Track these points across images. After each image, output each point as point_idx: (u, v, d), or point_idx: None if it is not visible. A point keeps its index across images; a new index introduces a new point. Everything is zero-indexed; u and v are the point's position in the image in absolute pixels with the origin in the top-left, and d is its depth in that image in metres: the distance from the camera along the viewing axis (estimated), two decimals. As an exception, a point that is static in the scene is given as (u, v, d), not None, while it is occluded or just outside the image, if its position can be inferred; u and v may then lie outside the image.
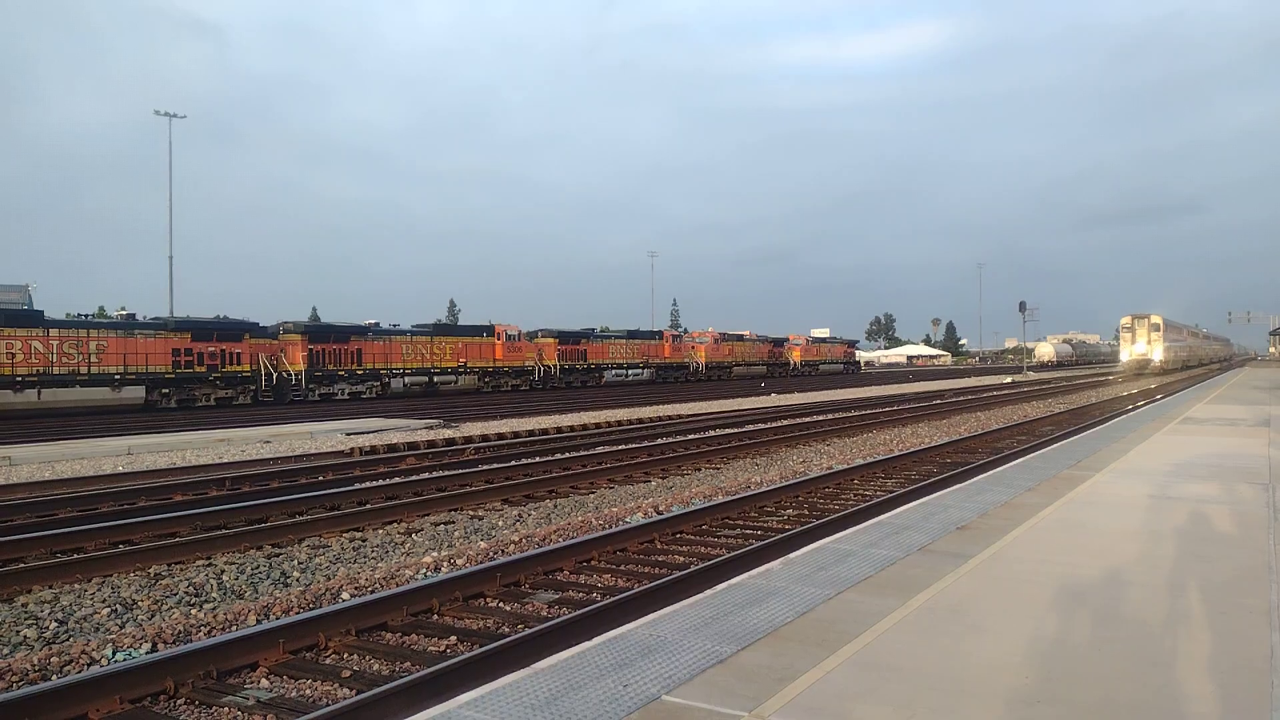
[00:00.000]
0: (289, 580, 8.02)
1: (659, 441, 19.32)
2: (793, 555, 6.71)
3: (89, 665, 5.84)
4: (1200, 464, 11.82)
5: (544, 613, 7.05)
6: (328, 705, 5.23)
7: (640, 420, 25.47)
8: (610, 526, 10.17)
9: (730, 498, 11.80)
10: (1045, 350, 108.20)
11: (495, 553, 8.90)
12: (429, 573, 8.15)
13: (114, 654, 6.00)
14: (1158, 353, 67.57)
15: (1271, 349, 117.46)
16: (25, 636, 6.42)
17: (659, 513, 10.96)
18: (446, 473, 14.36)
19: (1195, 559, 6.47)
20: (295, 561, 8.63)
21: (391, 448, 18.10)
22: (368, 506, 11.40)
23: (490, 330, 48.54)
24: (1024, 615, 5.10)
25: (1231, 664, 4.33)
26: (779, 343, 74.64)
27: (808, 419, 26.07)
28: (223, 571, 8.19)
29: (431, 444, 18.99)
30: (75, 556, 8.72)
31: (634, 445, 18.58)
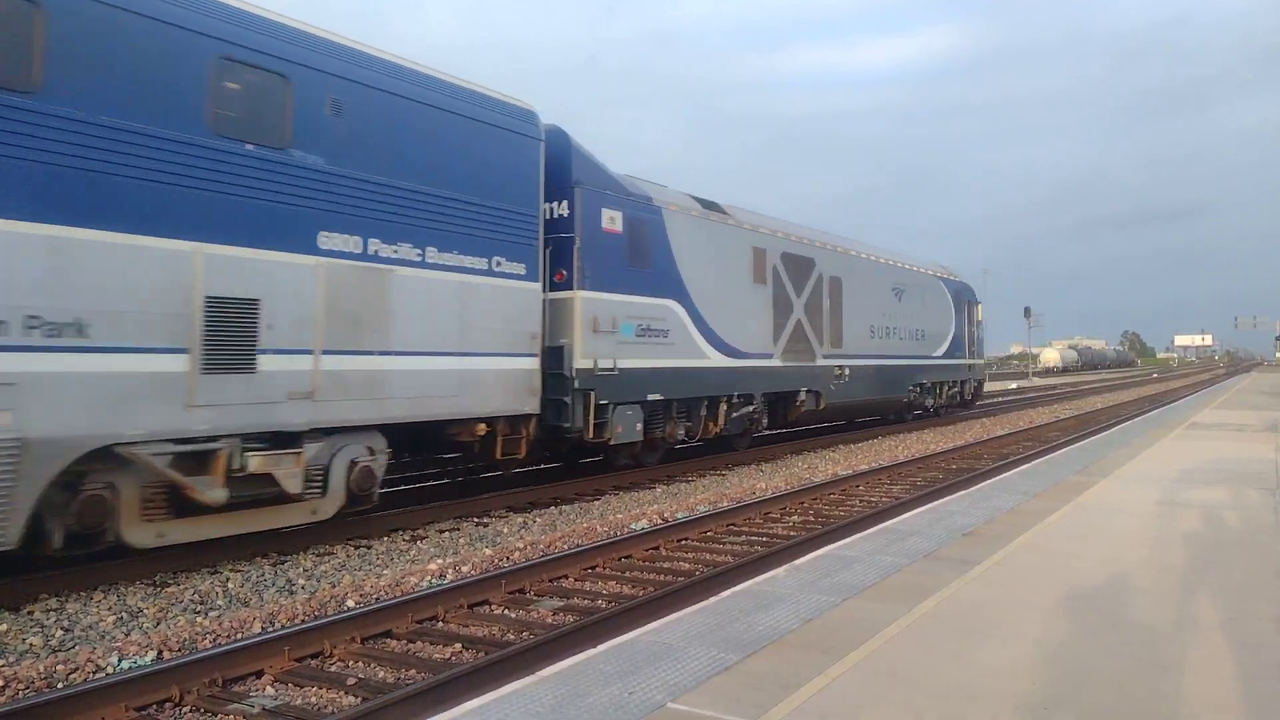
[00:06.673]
0: (294, 588, 8.02)
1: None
2: (798, 562, 6.70)
3: (95, 673, 5.84)
4: (1208, 469, 11.78)
5: (549, 620, 7.04)
6: (333, 713, 5.23)
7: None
8: (615, 533, 10.16)
9: (735, 504, 11.78)
10: (1051, 356, 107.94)
11: (500, 560, 8.89)
12: (434, 580, 8.14)
13: (120, 662, 6.00)
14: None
15: (1278, 354, 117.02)
16: (31, 645, 6.42)
17: (664, 519, 10.95)
18: (451, 480, 14.33)
19: (1204, 565, 6.44)
20: (301, 569, 8.62)
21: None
22: (373, 513, 11.38)
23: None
24: (1032, 622, 5.08)
25: (1243, 670, 4.31)
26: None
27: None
28: (228, 579, 8.19)
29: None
30: (81, 564, 8.72)
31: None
